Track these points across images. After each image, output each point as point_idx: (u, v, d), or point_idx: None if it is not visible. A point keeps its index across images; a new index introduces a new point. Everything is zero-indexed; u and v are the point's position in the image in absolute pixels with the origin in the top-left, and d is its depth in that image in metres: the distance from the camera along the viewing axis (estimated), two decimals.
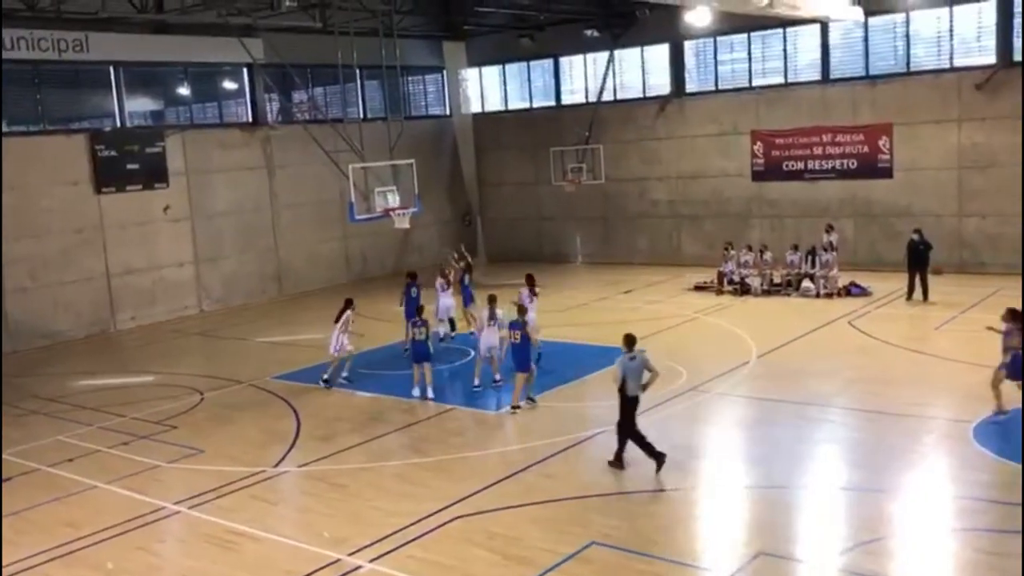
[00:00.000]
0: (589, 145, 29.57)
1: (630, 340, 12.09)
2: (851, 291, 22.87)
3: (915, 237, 22.07)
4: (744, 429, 14.01)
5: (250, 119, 27.96)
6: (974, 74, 24.27)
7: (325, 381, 16.94)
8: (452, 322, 20.16)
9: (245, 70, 27.53)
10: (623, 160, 30.34)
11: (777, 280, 24.06)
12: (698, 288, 25.03)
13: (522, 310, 15.42)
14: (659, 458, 11.88)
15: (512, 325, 15.01)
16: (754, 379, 16.27)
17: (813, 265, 23.59)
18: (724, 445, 13.38)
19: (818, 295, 23.00)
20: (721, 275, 24.39)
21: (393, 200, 21.11)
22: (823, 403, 14.57)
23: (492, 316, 15.84)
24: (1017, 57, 23.74)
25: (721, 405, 14.97)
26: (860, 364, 16.77)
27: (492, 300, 16.24)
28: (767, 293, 23.63)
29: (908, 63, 25.46)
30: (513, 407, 14.69)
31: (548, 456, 12.62)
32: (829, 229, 24.55)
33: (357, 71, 27.96)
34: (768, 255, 24.41)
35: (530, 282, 17.90)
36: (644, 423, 13.85)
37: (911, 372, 15.98)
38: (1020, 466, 11.11)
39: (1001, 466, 11.43)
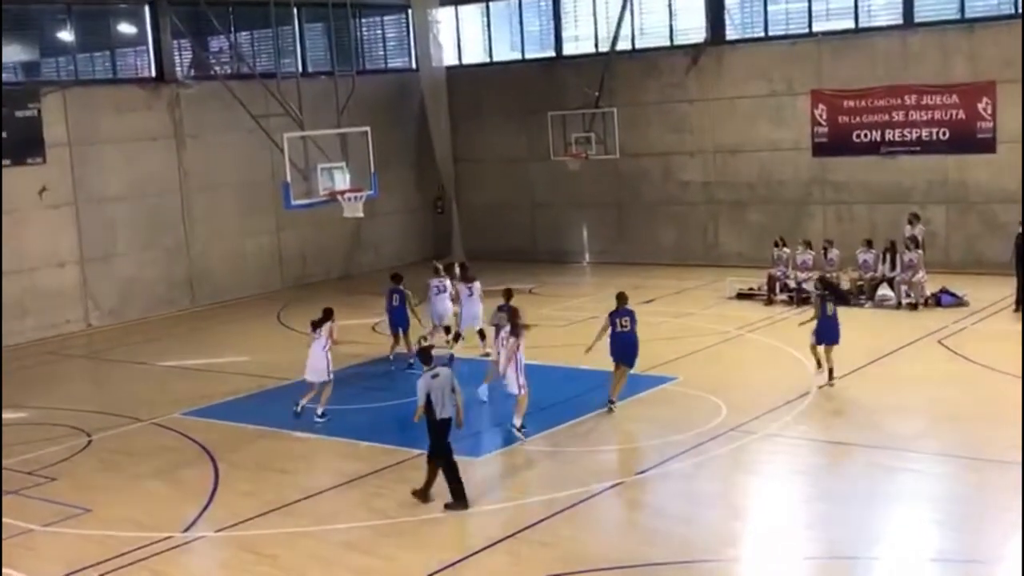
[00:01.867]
0: (599, 109, 29.62)
1: (426, 354, 13.71)
2: (941, 300, 22.97)
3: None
4: (802, 481, 14.00)
5: (153, 73, 27.92)
6: None
7: (322, 415, 17.00)
8: (448, 329, 21.03)
9: (147, 9, 27.49)
10: (643, 129, 30.40)
11: (845, 286, 24.12)
12: (742, 296, 25.10)
13: (623, 298, 16.94)
14: (459, 501, 13.01)
15: (619, 313, 16.60)
16: (814, 416, 16.30)
17: (892, 267, 23.67)
18: (776, 502, 13.38)
19: (899, 305, 23.10)
20: (772, 280, 24.45)
21: (342, 180, 21.09)
22: (904, 447, 14.62)
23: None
24: None
25: (772, 449, 14.98)
26: (953, 396, 16.82)
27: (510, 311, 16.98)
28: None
29: (1016, 2, 25.62)
30: (610, 402, 16.62)
31: (545, 517, 12.59)
32: (913, 220, 24.65)
33: (295, 10, 27.94)
34: (833, 254, 24.50)
35: (462, 269, 20.65)
36: (672, 470, 13.94)
37: (1019, 407, 16.02)
38: None
39: None
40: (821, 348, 17.67)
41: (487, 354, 19.94)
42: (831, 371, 17.56)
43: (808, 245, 24.95)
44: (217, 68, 27.91)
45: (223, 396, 19.06)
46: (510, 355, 15.83)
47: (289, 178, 20.74)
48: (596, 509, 13.00)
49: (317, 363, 16.98)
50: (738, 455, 14.70)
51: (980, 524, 12.00)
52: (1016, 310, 21.96)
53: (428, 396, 13.00)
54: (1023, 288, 22.00)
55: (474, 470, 14.74)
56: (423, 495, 13.21)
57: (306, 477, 14.71)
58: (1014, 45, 25.38)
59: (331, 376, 17.11)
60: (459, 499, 13.03)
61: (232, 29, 28.84)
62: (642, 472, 14.10)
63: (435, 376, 13.13)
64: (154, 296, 27.62)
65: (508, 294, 18.73)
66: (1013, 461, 13.70)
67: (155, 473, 15.24)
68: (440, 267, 21.76)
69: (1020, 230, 22.37)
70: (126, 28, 28.24)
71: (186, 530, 12.98)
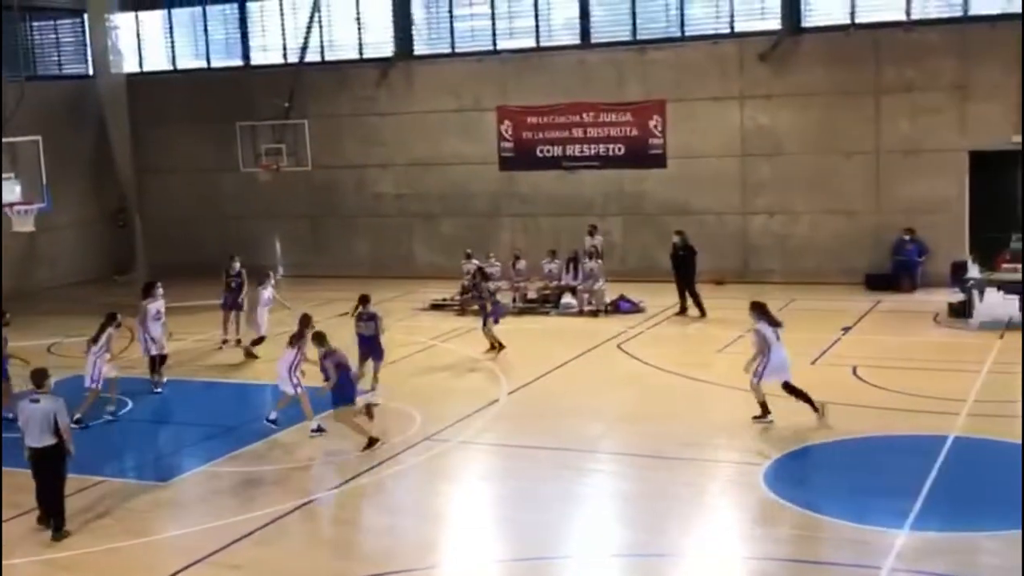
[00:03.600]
0: (290, 120, 29.25)
1: (36, 376, 12.77)
2: (620, 307, 24.08)
3: (676, 240, 23.69)
4: (493, 486, 14.33)
5: None
6: (757, 41, 26.44)
7: (77, 421, 15.93)
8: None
9: None
10: (336, 141, 30.27)
11: (532, 295, 24.88)
12: (436, 307, 25.38)
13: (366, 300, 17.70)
14: (57, 531, 12.47)
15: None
16: (504, 421, 16.69)
17: (575, 276, 24.61)
18: (469, 508, 13.58)
19: (581, 312, 24.03)
20: (465, 290, 24.86)
21: (10, 193, 19.92)
22: (588, 448, 15.19)
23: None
24: (805, 22, 26.11)
25: (464, 457, 15.22)
26: (631, 397, 17.69)
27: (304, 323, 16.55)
28: (521, 312, 24.35)
29: (682, 26, 27.29)
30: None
31: (234, 540, 12.25)
32: (592, 231, 25.72)
33: None
34: (521, 264, 25.22)
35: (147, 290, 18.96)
36: (367, 483, 13.88)
37: (690, 405, 17.04)
38: (819, 517, 12.21)
39: (798, 516, 12.37)
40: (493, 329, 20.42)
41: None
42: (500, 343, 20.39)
43: (495, 257, 25.56)
44: None
45: None
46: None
47: None
48: (288, 528, 12.73)
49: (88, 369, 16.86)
50: (433, 463, 14.82)
51: (658, 520, 12.57)
52: (679, 314, 23.33)
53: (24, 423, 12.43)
54: (682, 294, 23.39)
55: (161, 495, 14.17)
56: (44, 522, 12.64)
57: None
58: (681, 66, 27.05)
59: (93, 383, 16.73)
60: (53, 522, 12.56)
61: None
62: (336, 487, 13.97)
63: (35, 400, 12.44)
64: None
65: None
66: (685, 457, 14.53)
67: None
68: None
69: (673, 240, 23.78)
70: None
71: None
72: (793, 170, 26.50)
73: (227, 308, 22.06)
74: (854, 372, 18.15)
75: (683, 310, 23.39)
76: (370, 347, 18.20)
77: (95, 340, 16.83)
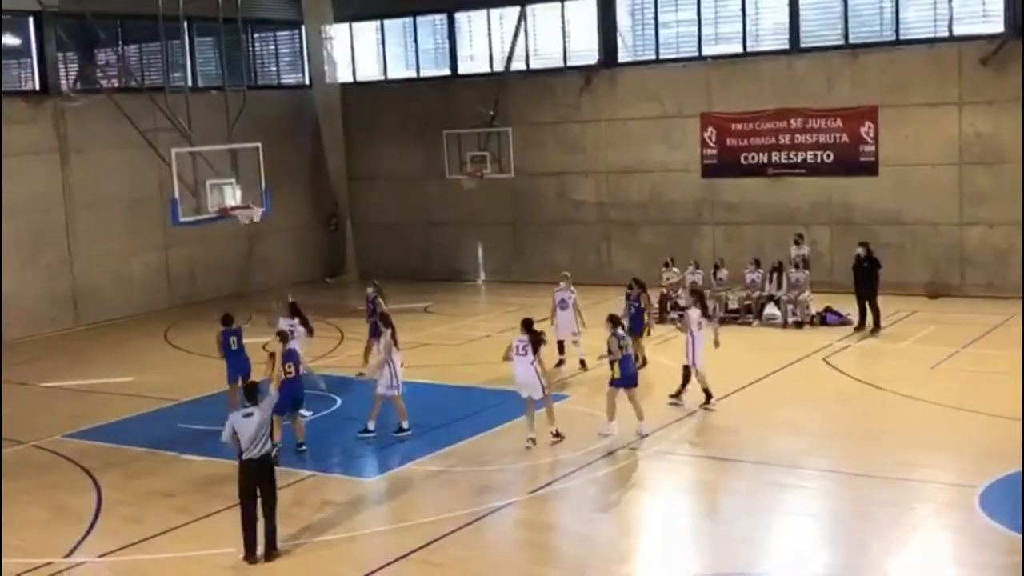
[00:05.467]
0: (494, 128, 29.74)
1: (249, 391, 12.79)
2: (826, 319, 23.45)
3: (860, 251, 22.91)
4: (692, 498, 14.19)
5: (37, 86, 27.25)
6: (978, 45, 25.33)
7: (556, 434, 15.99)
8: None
9: (31, 20, 26.80)
10: (538, 148, 30.58)
11: (734, 305, 24.53)
12: None
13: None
14: (265, 550, 12.18)
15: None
16: (704, 433, 16.52)
17: (779, 286, 24.12)
18: (666, 519, 13.50)
19: (785, 324, 23.53)
20: (664, 299, 24.73)
21: (233, 196, 20.87)
22: (790, 463, 14.86)
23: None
24: None
25: (662, 467, 15.12)
26: (838, 413, 17.19)
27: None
28: (722, 321, 23.99)
29: (897, 29, 26.42)
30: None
31: (437, 537, 12.53)
32: (799, 240, 25.18)
33: (184, 24, 27.54)
34: (723, 273, 24.90)
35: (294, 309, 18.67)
36: (565, 488, 13.96)
37: (903, 423, 16.47)
38: None
39: (1016, 542, 11.79)
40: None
41: None
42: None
43: (696, 265, 25.32)
44: (104, 81, 27.36)
45: (107, 418, 18.56)
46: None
47: (177, 194, 20.47)
48: (488, 529, 12.96)
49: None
50: (629, 472, 14.83)
51: (864, 540, 12.23)
52: (858, 328, 22.48)
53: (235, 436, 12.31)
54: (864, 309, 22.60)
55: (363, 491, 14.65)
56: (250, 547, 12.27)
57: (193, 500, 14.37)
58: (895, 70, 26.18)
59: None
60: (268, 548, 12.25)
61: (120, 42, 28.24)
62: (535, 491, 14.11)
63: (249, 415, 12.28)
64: (35, 314, 26.81)
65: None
66: (896, 477, 14.05)
67: (36, 498, 14.75)
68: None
69: (857, 251, 23.01)
70: (9, 40, 27.48)
71: (68, 555, 12.60)
72: (1015, 179, 25.21)
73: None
74: None
75: (863, 324, 22.58)
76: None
77: (534, 352, 15.80)
